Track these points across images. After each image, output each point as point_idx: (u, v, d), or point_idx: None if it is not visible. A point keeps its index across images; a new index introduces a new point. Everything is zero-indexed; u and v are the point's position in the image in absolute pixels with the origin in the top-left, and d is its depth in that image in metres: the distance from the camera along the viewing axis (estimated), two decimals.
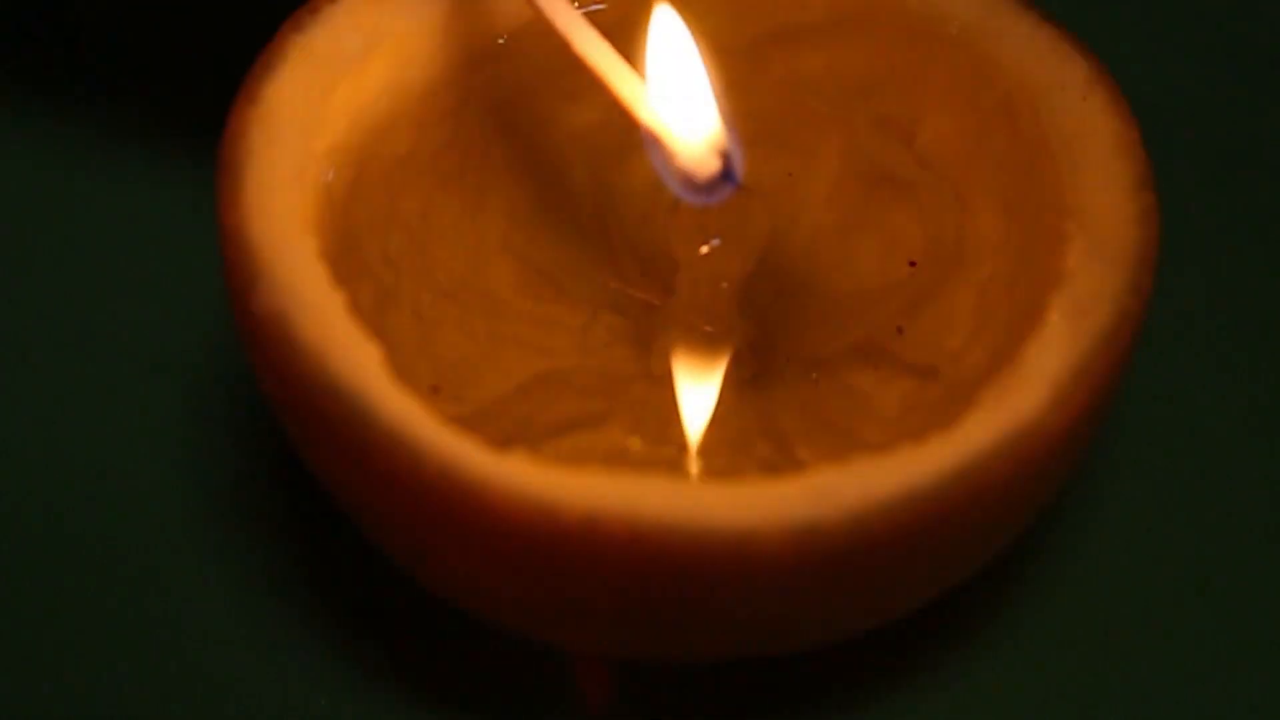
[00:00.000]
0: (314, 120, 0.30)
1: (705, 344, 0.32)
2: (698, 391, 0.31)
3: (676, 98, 0.30)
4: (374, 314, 0.30)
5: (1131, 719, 0.31)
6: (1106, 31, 0.34)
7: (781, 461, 0.31)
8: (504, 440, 0.26)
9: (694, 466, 0.31)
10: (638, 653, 0.30)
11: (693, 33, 0.30)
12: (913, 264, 0.33)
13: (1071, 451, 0.27)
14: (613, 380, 0.32)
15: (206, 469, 0.34)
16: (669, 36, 0.30)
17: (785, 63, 0.34)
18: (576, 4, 0.32)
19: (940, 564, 0.27)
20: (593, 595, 0.26)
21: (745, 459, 0.31)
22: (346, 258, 0.30)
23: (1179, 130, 0.39)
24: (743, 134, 0.33)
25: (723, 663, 0.31)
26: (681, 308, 0.32)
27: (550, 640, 0.29)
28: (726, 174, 0.29)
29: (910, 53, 0.33)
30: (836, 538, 0.25)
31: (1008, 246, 0.31)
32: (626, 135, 0.33)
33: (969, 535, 0.27)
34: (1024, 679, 0.32)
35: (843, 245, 0.33)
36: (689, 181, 0.29)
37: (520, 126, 0.34)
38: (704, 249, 0.30)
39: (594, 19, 0.30)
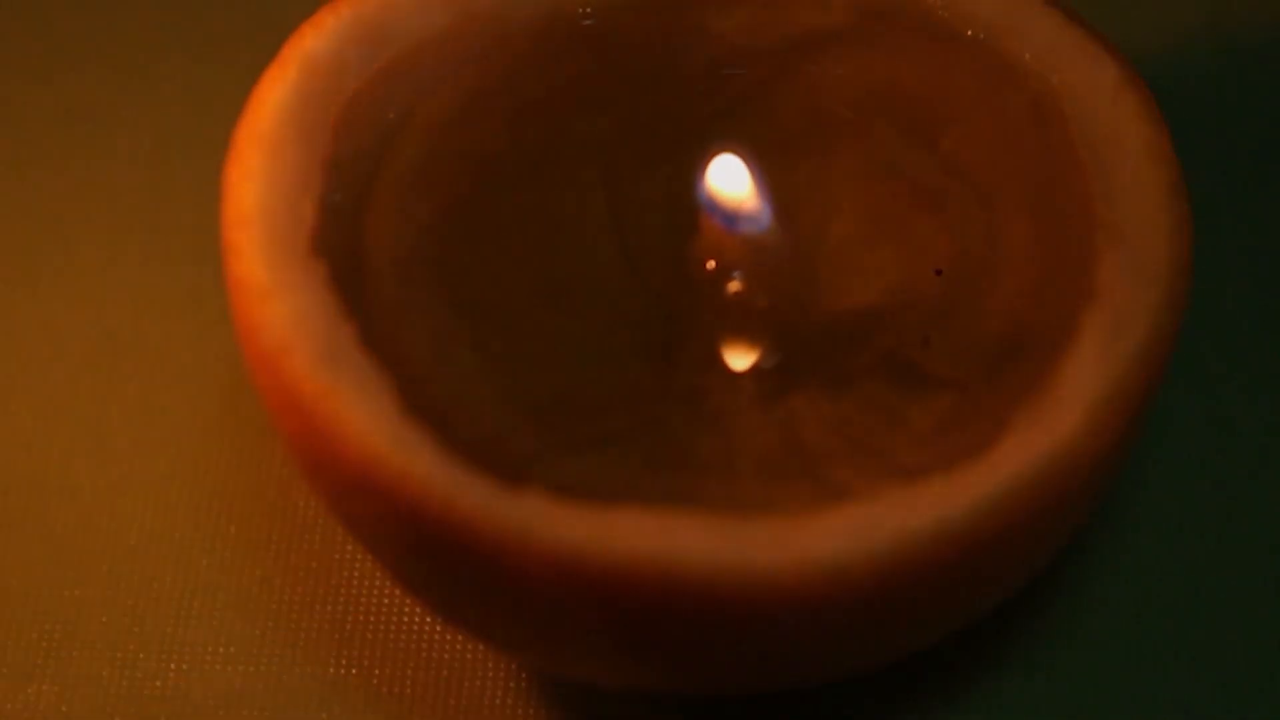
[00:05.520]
0: (320, 137, 0.29)
1: None
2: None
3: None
4: (385, 329, 0.29)
5: None
6: (1135, 31, 0.33)
7: (809, 482, 0.30)
8: (523, 462, 0.25)
9: None
10: (658, 687, 0.29)
11: None
12: (939, 272, 0.32)
13: (1106, 475, 0.27)
14: (632, 397, 0.31)
15: (205, 473, 0.34)
16: None
17: (807, 68, 0.33)
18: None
19: (971, 596, 0.27)
20: (612, 636, 0.25)
21: (772, 479, 0.30)
22: (356, 272, 0.29)
23: (1211, 135, 0.38)
24: (766, 142, 0.33)
25: (744, 696, 0.30)
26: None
27: (567, 675, 0.29)
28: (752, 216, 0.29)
29: (933, 56, 0.32)
30: (866, 577, 0.24)
31: (1037, 255, 0.30)
32: (645, 145, 0.32)
33: (1000, 566, 0.26)
34: (1049, 699, 0.31)
35: (867, 254, 0.33)
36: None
37: (533, 134, 0.33)
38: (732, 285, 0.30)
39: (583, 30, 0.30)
